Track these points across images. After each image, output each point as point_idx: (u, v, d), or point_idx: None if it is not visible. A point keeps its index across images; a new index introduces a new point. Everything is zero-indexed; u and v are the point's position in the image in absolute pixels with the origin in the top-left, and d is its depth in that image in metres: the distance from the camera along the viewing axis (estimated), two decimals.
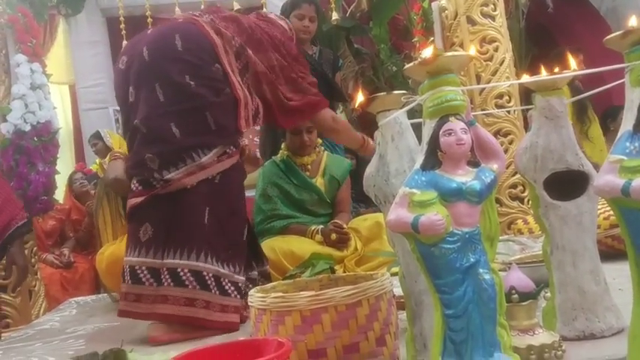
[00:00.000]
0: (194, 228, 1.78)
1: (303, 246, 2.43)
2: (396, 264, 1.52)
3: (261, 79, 1.93)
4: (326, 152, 2.83)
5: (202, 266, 1.76)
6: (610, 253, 1.82)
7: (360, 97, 1.15)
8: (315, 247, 2.44)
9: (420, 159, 0.93)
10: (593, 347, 1.12)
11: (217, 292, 1.77)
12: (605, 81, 1.10)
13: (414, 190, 0.90)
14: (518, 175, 2.78)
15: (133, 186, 1.84)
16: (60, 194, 4.76)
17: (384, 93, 1.14)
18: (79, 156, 5.90)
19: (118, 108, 5.51)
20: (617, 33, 0.92)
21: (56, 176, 4.39)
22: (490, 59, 3.01)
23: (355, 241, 2.54)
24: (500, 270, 1.10)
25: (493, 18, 3.04)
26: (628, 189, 0.84)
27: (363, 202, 4.25)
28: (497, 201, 2.87)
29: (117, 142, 4.42)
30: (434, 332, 0.92)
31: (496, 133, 2.93)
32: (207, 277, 1.76)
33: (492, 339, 0.90)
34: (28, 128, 4.12)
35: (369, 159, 1.19)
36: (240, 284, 1.84)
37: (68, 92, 6.33)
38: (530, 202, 1.45)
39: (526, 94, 1.92)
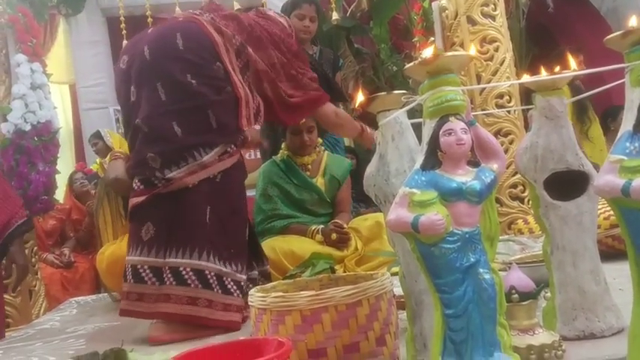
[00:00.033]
0: (196, 227, 1.78)
1: (303, 246, 2.43)
2: (396, 264, 1.52)
3: (261, 78, 1.93)
4: (326, 152, 2.84)
5: (204, 265, 1.76)
6: (610, 253, 1.82)
7: (360, 97, 1.15)
8: (316, 246, 2.44)
9: (420, 159, 0.93)
10: (593, 347, 1.12)
11: (220, 291, 1.77)
12: (606, 81, 1.10)
13: (414, 190, 0.90)
14: (518, 175, 2.77)
15: (134, 185, 1.84)
16: (60, 194, 4.76)
17: (384, 93, 1.14)
18: (80, 156, 5.91)
19: (118, 108, 5.53)
20: (618, 33, 0.92)
21: (56, 176, 4.39)
22: (490, 59, 3.00)
23: (355, 241, 2.54)
24: (500, 270, 1.10)
25: (493, 18, 3.04)
26: (628, 189, 0.84)
27: (364, 201, 4.27)
28: (498, 201, 2.87)
29: (117, 141, 4.42)
30: (434, 332, 0.92)
31: (496, 133, 2.93)
32: (209, 276, 1.76)
33: (492, 339, 0.90)
34: (28, 128, 4.12)
35: (370, 159, 1.19)
36: (242, 283, 1.84)
37: (68, 92, 6.34)
38: (530, 202, 1.45)
39: (526, 94, 1.92)
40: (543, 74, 1.20)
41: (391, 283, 1.10)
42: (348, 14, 5.93)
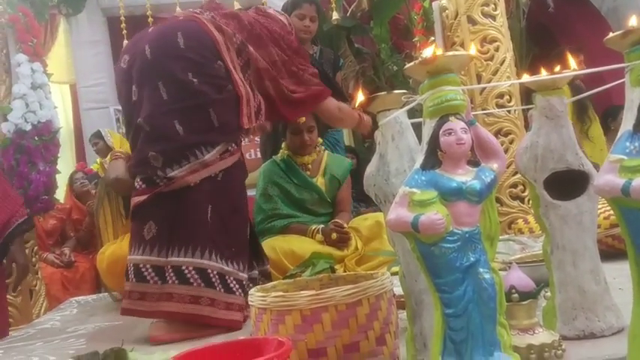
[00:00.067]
0: (197, 226, 1.78)
1: (303, 245, 2.43)
2: (396, 263, 1.52)
3: (263, 76, 1.93)
4: (326, 152, 2.84)
5: (207, 264, 1.76)
6: (610, 252, 1.82)
7: (360, 97, 1.15)
8: (316, 246, 2.44)
9: (420, 158, 0.93)
10: (593, 347, 1.13)
11: (222, 290, 1.77)
12: (606, 81, 1.10)
13: (414, 190, 0.90)
14: (518, 175, 2.78)
15: (136, 184, 1.85)
16: (61, 194, 4.76)
17: (385, 92, 1.14)
18: (80, 155, 5.91)
19: (118, 107, 5.55)
20: (617, 33, 0.92)
21: (57, 176, 4.39)
22: (491, 59, 3.01)
23: (355, 241, 2.54)
24: (500, 269, 1.10)
25: (494, 18, 3.04)
26: (628, 188, 0.84)
27: (364, 201, 4.27)
28: (498, 200, 2.87)
29: (117, 141, 4.43)
30: (434, 331, 0.92)
31: (497, 133, 2.93)
32: (211, 275, 1.76)
33: (492, 338, 0.91)
34: (28, 128, 4.12)
35: (370, 158, 1.19)
36: (243, 282, 1.84)
37: (69, 92, 6.35)
38: (530, 201, 1.45)
39: (527, 94, 1.92)
40: (543, 74, 1.20)
41: (391, 282, 1.10)
42: (348, 14, 5.93)
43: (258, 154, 3.92)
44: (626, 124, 0.90)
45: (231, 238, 1.84)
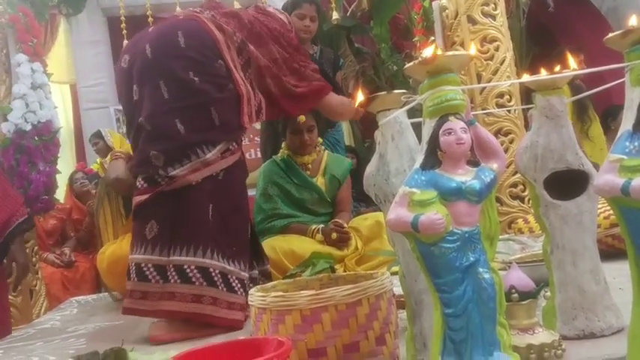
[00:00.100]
0: (199, 225, 1.78)
1: (303, 245, 2.43)
2: (396, 263, 1.52)
3: (264, 74, 1.92)
4: (326, 151, 2.83)
5: (209, 263, 1.76)
6: (610, 252, 1.82)
7: (360, 97, 1.15)
8: (316, 246, 2.44)
9: (419, 158, 0.93)
10: (593, 346, 1.13)
11: (224, 289, 1.77)
12: (606, 80, 1.10)
13: (414, 190, 0.90)
14: (518, 174, 2.77)
15: (138, 183, 1.85)
16: (61, 194, 4.77)
17: (384, 92, 1.14)
18: (80, 155, 5.92)
19: (118, 107, 5.56)
20: (617, 32, 0.92)
21: (57, 176, 4.39)
22: (491, 58, 3.01)
23: (356, 241, 2.54)
24: (500, 269, 1.10)
25: (494, 17, 3.04)
26: (628, 188, 0.84)
27: (364, 201, 4.27)
28: (498, 200, 2.87)
29: (118, 141, 4.44)
30: (434, 331, 0.92)
31: (497, 133, 2.93)
32: (213, 274, 1.76)
33: (492, 338, 0.90)
34: (28, 128, 4.12)
35: (370, 158, 1.19)
36: (245, 281, 1.84)
37: (69, 92, 6.35)
38: (530, 201, 1.45)
39: (527, 94, 1.92)
40: (543, 74, 1.20)
41: (391, 282, 1.10)
42: (348, 14, 5.93)
43: (258, 154, 3.92)
44: (626, 123, 0.90)
45: (233, 238, 1.84)
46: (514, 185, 2.95)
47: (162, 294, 1.75)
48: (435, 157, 0.91)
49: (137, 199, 1.83)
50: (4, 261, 2.30)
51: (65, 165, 4.86)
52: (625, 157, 0.87)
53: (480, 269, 0.90)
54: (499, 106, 2.96)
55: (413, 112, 1.12)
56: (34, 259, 3.54)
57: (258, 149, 4.43)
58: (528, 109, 1.26)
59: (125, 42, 3.51)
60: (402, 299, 1.16)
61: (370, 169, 1.17)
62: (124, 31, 3.84)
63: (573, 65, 1.22)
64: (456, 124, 0.91)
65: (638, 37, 0.90)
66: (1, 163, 3.95)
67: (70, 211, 4.73)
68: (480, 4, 3.02)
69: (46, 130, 4.23)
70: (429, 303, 1.02)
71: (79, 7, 5.17)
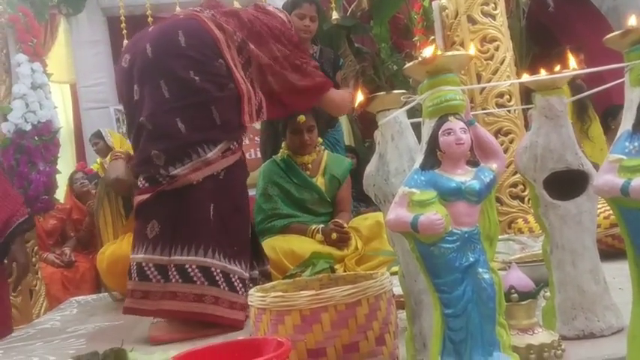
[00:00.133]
0: (200, 224, 1.78)
1: (303, 245, 2.43)
2: (395, 263, 1.52)
3: (265, 72, 1.92)
4: (326, 151, 2.83)
5: (210, 262, 1.76)
6: (610, 252, 1.82)
7: (359, 97, 1.15)
8: (316, 246, 2.44)
9: (419, 158, 0.93)
10: (593, 346, 1.12)
11: (226, 288, 1.77)
12: (606, 80, 1.10)
13: (414, 190, 0.90)
14: (518, 174, 2.77)
15: (139, 183, 1.85)
16: (61, 194, 4.77)
17: (384, 92, 1.14)
18: (80, 155, 5.92)
19: (118, 107, 5.57)
20: (617, 32, 0.92)
21: (57, 176, 4.40)
22: (491, 58, 3.00)
23: (355, 241, 2.54)
24: (500, 269, 1.10)
25: (494, 17, 3.04)
26: (627, 188, 0.84)
27: (364, 201, 4.27)
28: (498, 200, 2.87)
29: (118, 141, 4.44)
30: (433, 331, 0.92)
31: (497, 132, 2.93)
32: (215, 273, 1.76)
33: (492, 338, 0.90)
34: (28, 128, 4.12)
35: (370, 158, 1.19)
36: (246, 281, 1.84)
37: (69, 91, 6.35)
38: (530, 201, 1.45)
39: (527, 93, 1.93)
40: (543, 74, 1.19)
41: (391, 282, 1.10)
42: (348, 13, 5.93)
43: (258, 154, 3.92)
44: (626, 123, 0.90)
45: (234, 237, 1.84)
46: (514, 185, 2.95)
47: (163, 294, 1.75)
48: (434, 157, 0.91)
49: (138, 198, 1.83)
50: (5, 261, 2.30)
51: (65, 165, 4.86)
52: (624, 157, 0.87)
53: (480, 269, 0.90)
54: (499, 106, 2.95)
55: (413, 112, 1.12)
56: (34, 259, 3.54)
57: (258, 149, 4.44)
58: (528, 109, 1.25)
59: (125, 42, 3.51)
60: (402, 299, 1.16)
61: (370, 169, 1.17)
62: (124, 31, 3.84)
63: (573, 65, 1.22)
64: (455, 124, 0.91)
65: (637, 37, 0.90)
66: (1, 163, 3.95)
67: (70, 211, 4.73)
68: (480, 4, 3.02)
69: (46, 130, 4.24)
70: (429, 303, 1.02)
71: (79, 6, 5.17)
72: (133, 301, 1.78)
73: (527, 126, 1.38)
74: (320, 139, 2.80)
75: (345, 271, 2.28)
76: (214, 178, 1.81)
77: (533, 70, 1.30)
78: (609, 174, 0.87)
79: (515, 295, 1.06)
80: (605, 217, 1.98)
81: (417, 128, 1.05)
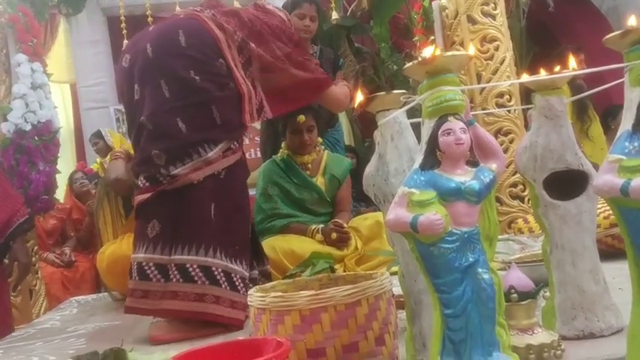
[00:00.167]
0: (201, 223, 1.78)
1: (303, 245, 2.43)
2: (395, 263, 1.52)
3: (268, 68, 1.91)
4: (326, 151, 2.84)
5: (211, 261, 1.76)
6: (610, 252, 1.82)
7: (359, 97, 1.15)
8: (316, 246, 2.44)
9: (419, 159, 0.93)
10: (593, 347, 1.12)
11: (228, 288, 1.77)
12: (606, 80, 1.10)
13: (413, 190, 0.90)
14: (518, 174, 2.77)
15: (140, 182, 1.85)
16: (61, 193, 4.77)
17: (384, 92, 1.14)
18: (80, 155, 5.92)
19: (118, 107, 5.57)
20: (617, 32, 0.92)
21: (57, 175, 4.40)
22: (491, 58, 3.00)
23: (355, 240, 2.54)
24: (499, 269, 1.10)
25: (494, 17, 3.04)
26: (627, 189, 0.84)
27: (364, 201, 4.27)
28: (498, 200, 2.87)
29: (118, 141, 4.44)
30: (433, 331, 0.92)
31: (497, 132, 2.93)
32: (216, 273, 1.76)
33: (491, 338, 0.90)
34: (28, 127, 4.12)
35: (370, 158, 1.19)
36: (247, 281, 1.85)
37: (69, 91, 6.35)
38: (530, 201, 1.45)
39: (527, 93, 1.93)
40: (543, 74, 1.19)
41: (390, 282, 1.10)
42: (348, 13, 5.93)
43: (259, 154, 3.92)
44: (625, 123, 0.90)
45: (235, 237, 1.85)
46: (514, 185, 2.95)
47: (163, 293, 1.75)
48: (434, 157, 0.91)
49: (139, 198, 1.83)
50: (6, 261, 2.30)
51: (65, 165, 4.86)
52: (624, 157, 0.87)
53: (479, 269, 0.90)
54: (499, 105, 2.96)
55: (412, 112, 1.12)
56: (34, 259, 3.54)
57: (258, 149, 4.44)
58: (528, 109, 1.25)
59: (125, 42, 3.51)
60: (402, 299, 1.16)
61: (369, 169, 1.17)
62: (124, 31, 3.84)
63: (573, 65, 1.22)
64: (455, 124, 0.91)
65: (637, 37, 0.90)
66: (1, 163, 3.95)
67: (70, 211, 4.73)
68: (480, 4, 3.02)
69: (46, 130, 4.24)
70: (429, 303, 1.02)
71: (79, 6, 5.17)
72: (133, 300, 1.78)
73: (527, 126, 1.38)
74: (320, 139, 2.80)
75: (345, 271, 2.28)
76: (215, 177, 1.82)
77: (533, 70, 1.30)
78: (609, 174, 0.87)
79: (515, 295, 1.06)
80: (605, 217, 1.98)
81: (416, 128, 1.05)
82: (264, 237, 2.50)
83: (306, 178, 2.69)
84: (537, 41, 5.47)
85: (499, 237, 1.11)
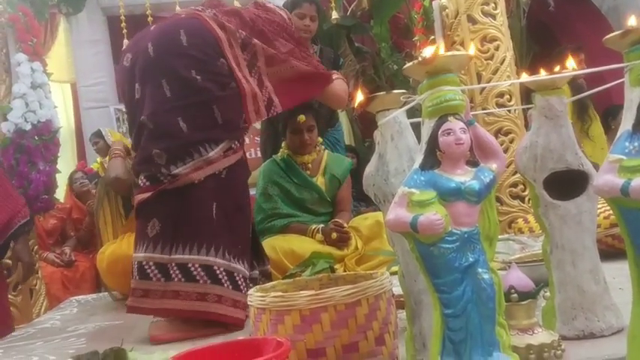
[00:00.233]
0: (202, 223, 1.78)
1: (303, 245, 2.43)
2: (395, 263, 1.52)
3: (276, 62, 1.91)
4: (327, 151, 2.83)
5: (213, 261, 1.76)
6: (610, 252, 1.82)
7: (359, 97, 1.15)
8: (316, 246, 2.44)
9: (418, 158, 0.93)
10: (593, 347, 1.12)
11: (230, 287, 1.77)
12: (606, 80, 1.10)
13: (413, 190, 0.90)
14: (518, 174, 2.77)
15: (140, 182, 1.85)
16: (61, 193, 4.77)
17: (384, 92, 1.14)
18: (80, 155, 5.92)
19: (119, 106, 5.57)
20: (617, 32, 0.92)
21: (57, 175, 4.40)
22: (491, 58, 3.01)
23: (355, 240, 2.54)
24: (500, 269, 1.10)
25: (494, 17, 3.04)
26: (627, 189, 0.84)
27: (364, 200, 4.27)
28: (498, 200, 2.87)
29: (118, 140, 4.43)
30: (433, 331, 0.92)
31: (497, 132, 2.93)
32: (218, 272, 1.76)
33: (491, 338, 0.90)
34: (28, 127, 4.12)
35: (370, 158, 1.19)
36: (247, 280, 1.85)
37: (69, 91, 6.35)
38: (530, 201, 1.45)
39: (527, 93, 1.93)
40: (543, 74, 1.19)
41: (390, 282, 1.10)
42: (348, 13, 5.93)
43: (259, 154, 3.92)
44: (626, 123, 0.90)
45: (236, 236, 1.85)
46: (514, 185, 2.95)
47: (164, 292, 1.75)
48: (434, 157, 0.91)
49: (139, 197, 1.83)
50: (8, 261, 2.31)
51: (65, 165, 4.86)
52: (624, 157, 0.87)
53: (480, 269, 0.90)
54: (499, 105, 2.96)
55: (412, 112, 1.12)
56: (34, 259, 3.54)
57: (258, 148, 4.44)
58: (528, 109, 1.25)
59: (125, 41, 3.51)
60: (402, 299, 1.16)
61: (369, 169, 1.17)
62: (124, 31, 3.84)
63: (573, 65, 1.22)
64: (455, 124, 0.91)
65: (637, 37, 0.90)
66: (1, 162, 3.95)
67: (70, 210, 4.73)
68: (480, 4, 3.02)
69: (46, 129, 4.23)
70: (429, 303, 1.02)
71: (79, 6, 5.16)
72: (134, 299, 1.78)
73: (527, 126, 1.38)
74: (320, 139, 2.80)
75: (345, 271, 2.28)
76: (216, 177, 1.82)
77: (533, 70, 1.30)
78: (609, 174, 0.87)
79: (515, 295, 1.06)
80: (605, 217, 1.98)
81: (416, 128, 1.05)
82: (265, 237, 2.50)
83: (307, 177, 2.69)
84: (537, 41, 5.47)
85: (499, 237, 1.11)
